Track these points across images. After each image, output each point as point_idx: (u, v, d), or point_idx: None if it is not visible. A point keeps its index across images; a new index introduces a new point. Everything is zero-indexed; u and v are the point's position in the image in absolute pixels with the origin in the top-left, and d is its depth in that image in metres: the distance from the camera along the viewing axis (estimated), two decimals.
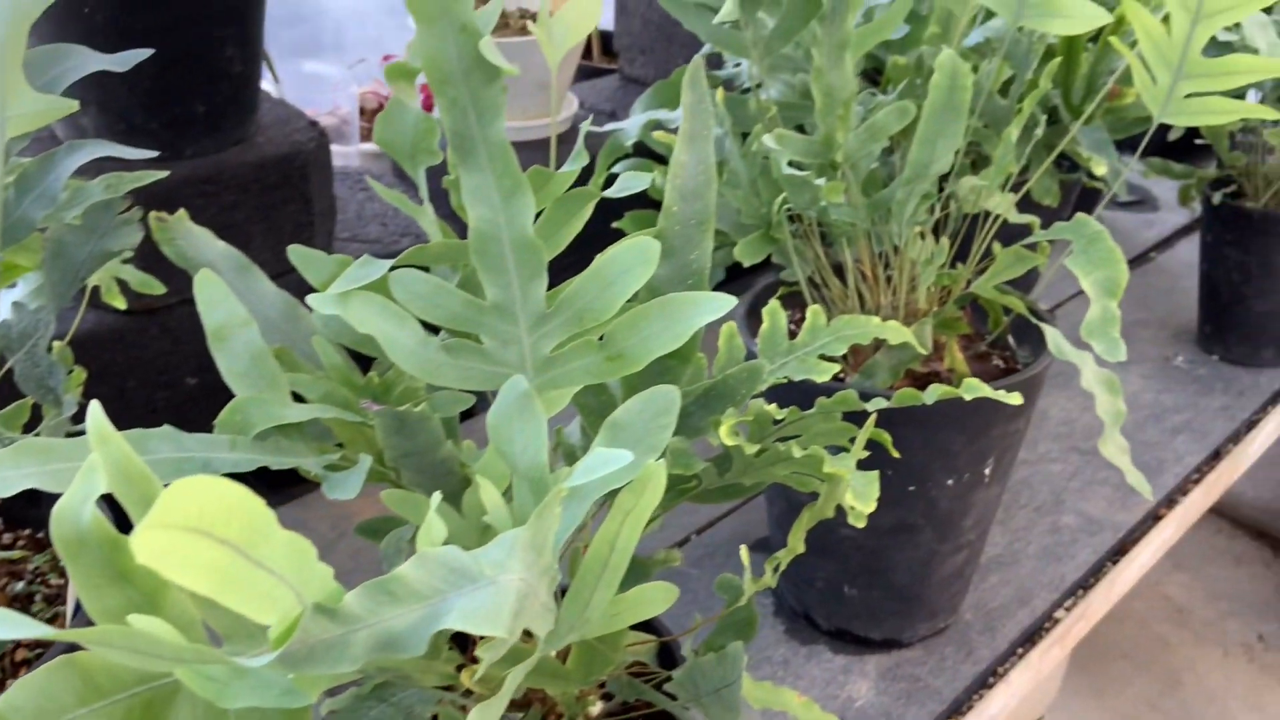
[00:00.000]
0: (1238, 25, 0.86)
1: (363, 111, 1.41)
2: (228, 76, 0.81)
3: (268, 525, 0.26)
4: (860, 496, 0.40)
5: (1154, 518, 0.96)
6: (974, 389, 0.47)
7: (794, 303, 0.83)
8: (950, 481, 0.73)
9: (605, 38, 1.63)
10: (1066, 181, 1.05)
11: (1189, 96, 0.63)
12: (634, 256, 0.42)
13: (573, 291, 0.44)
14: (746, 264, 0.73)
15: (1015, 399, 0.47)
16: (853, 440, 0.54)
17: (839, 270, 0.79)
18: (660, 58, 1.33)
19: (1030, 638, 0.83)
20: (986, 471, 0.74)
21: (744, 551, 0.44)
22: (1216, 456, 1.05)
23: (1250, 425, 1.09)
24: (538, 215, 0.50)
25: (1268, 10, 1.10)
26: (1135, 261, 1.47)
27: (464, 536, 0.45)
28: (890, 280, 0.77)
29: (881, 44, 0.83)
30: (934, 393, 0.47)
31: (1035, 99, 0.67)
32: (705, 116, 0.52)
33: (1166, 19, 0.62)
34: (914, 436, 0.71)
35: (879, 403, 0.47)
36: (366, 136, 1.38)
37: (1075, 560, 0.90)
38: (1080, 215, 0.64)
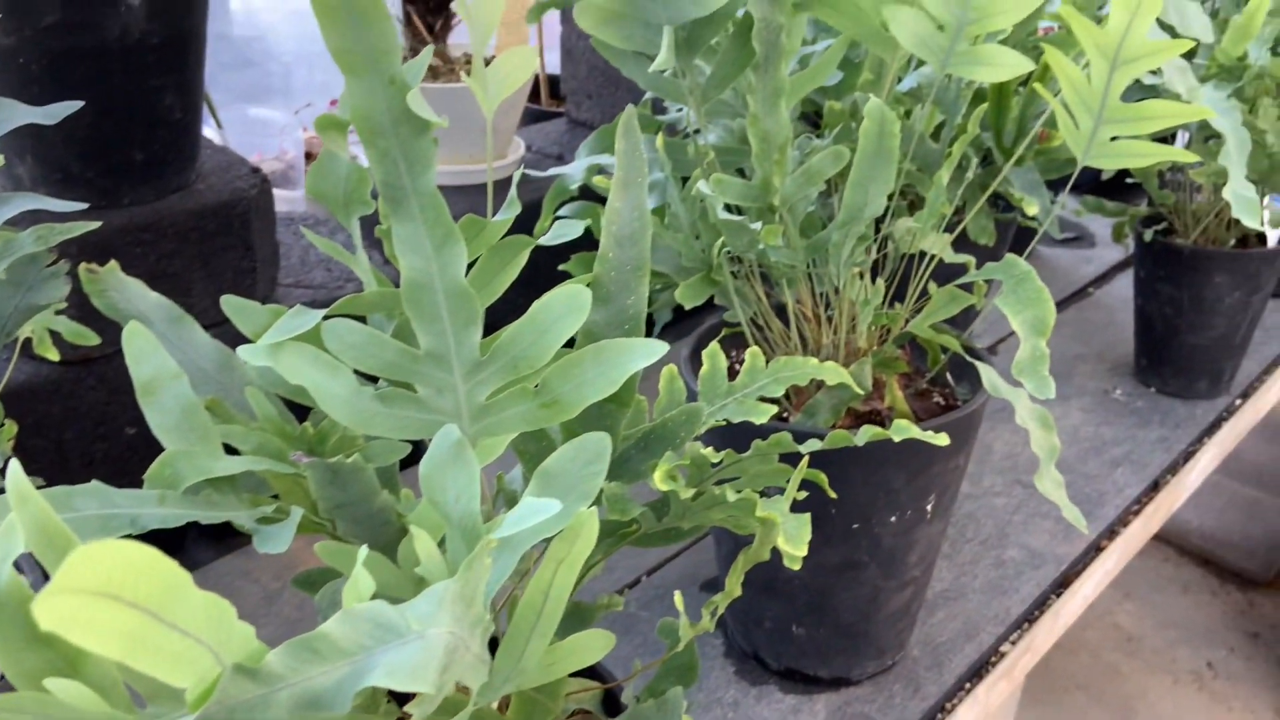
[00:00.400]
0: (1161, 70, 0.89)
1: (310, 156, 1.41)
2: (166, 124, 0.81)
3: (181, 586, 0.26)
4: (792, 540, 0.40)
5: (1096, 549, 0.98)
6: (903, 430, 0.48)
7: (739, 343, 0.84)
8: (893, 519, 0.74)
9: (553, 82, 1.65)
10: (1002, 221, 1.08)
11: (1111, 140, 0.65)
12: (567, 304, 0.43)
13: (507, 339, 0.44)
14: (688, 306, 0.73)
15: (941, 440, 0.48)
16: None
17: (781, 311, 0.80)
18: (606, 102, 1.35)
19: (977, 672, 0.84)
20: (928, 508, 0.75)
21: (678, 597, 0.44)
22: (1155, 488, 1.07)
23: (1187, 456, 1.12)
24: (472, 263, 0.50)
25: (1191, 55, 1.15)
26: (1073, 296, 1.50)
27: (400, 588, 0.45)
28: (831, 320, 0.78)
29: (819, 89, 0.85)
30: (865, 434, 0.48)
31: (964, 143, 0.69)
32: (638, 164, 0.53)
33: (1087, 66, 0.64)
34: (856, 474, 0.71)
35: (813, 444, 0.48)
36: None
37: (1020, 593, 0.91)
38: (1010, 255, 0.65)
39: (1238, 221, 1.15)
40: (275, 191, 1.30)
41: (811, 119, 1.02)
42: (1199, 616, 2.13)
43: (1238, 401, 1.22)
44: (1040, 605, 0.91)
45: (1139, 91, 1.03)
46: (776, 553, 0.46)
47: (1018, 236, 1.58)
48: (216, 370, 0.53)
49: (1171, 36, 0.80)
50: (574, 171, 0.88)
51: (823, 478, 0.52)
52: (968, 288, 0.74)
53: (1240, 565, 2.25)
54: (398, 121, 0.41)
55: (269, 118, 1.39)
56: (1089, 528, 1.01)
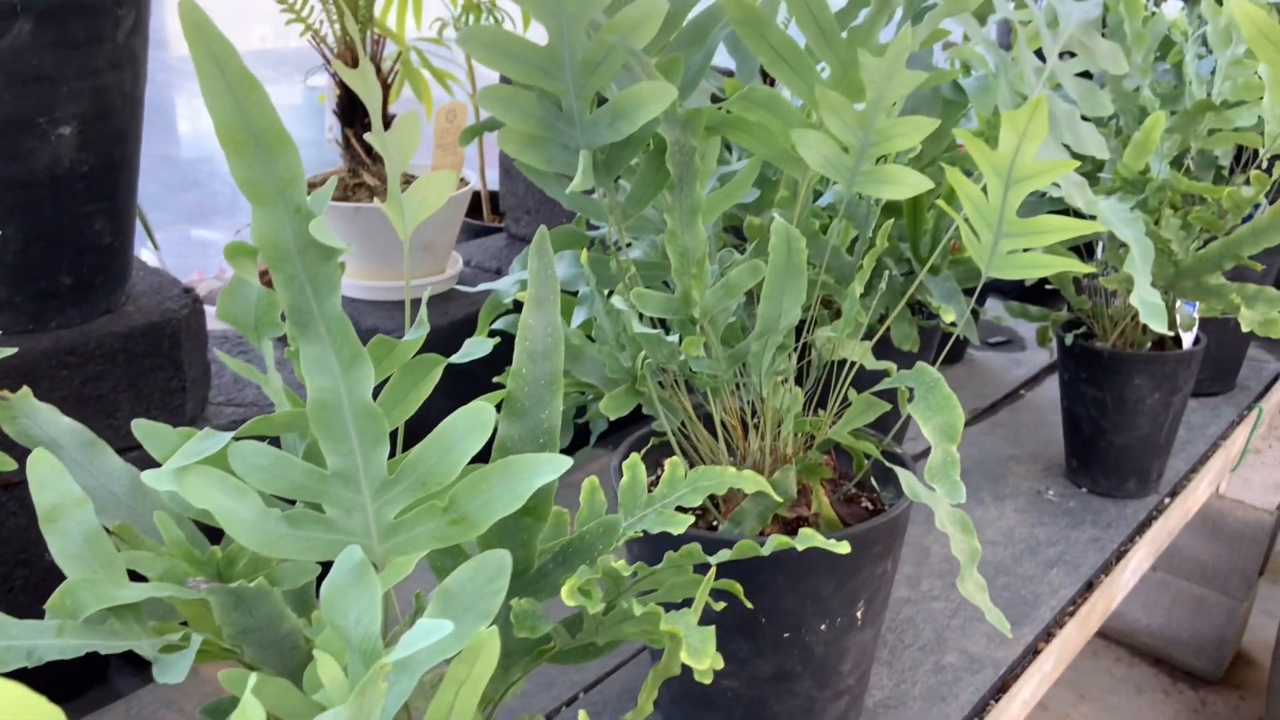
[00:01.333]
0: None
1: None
2: (95, 249, 0.82)
3: None
4: (695, 653, 0.41)
5: (1033, 652, 0.98)
6: (806, 539, 0.48)
7: (670, 452, 0.84)
8: (824, 626, 0.74)
9: (494, 198, 1.69)
10: (926, 327, 1.11)
11: (1010, 253, 0.69)
12: (472, 422, 0.43)
13: (415, 457, 0.45)
14: (612, 417, 0.74)
15: (842, 548, 0.49)
16: (710, 593, 0.55)
17: (709, 420, 0.81)
18: (544, 217, 1.38)
19: None
20: (859, 614, 0.75)
21: (583, 716, 0.43)
22: (1089, 588, 1.08)
23: (1120, 555, 1.13)
24: (385, 381, 0.51)
25: (1100, 168, 1.21)
26: (1006, 399, 1.54)
27: (305, 715, 0.44)
28: (758, 428, 0.79)
29: (740, 204, 0.89)
30: (771, 544, 0.48)
31: (874, 257, 0.72)
32: (551, 282, 0.54)
33: (985, 186, 0.67)
34: (784, 582, 0.72)
35: (722, 555, 0.48)
36: None
37: (959, 700, 0.91)
38: (920, 364, 0.67)
39: None
40: (213, 310, 1.30)
41: (738, 231, 1.05)
42: (1153, 717, 2.12)
43: (1167, 500, 1.24)
44: (980, 711, 0.90)
45: (1049, 204, 1.09)
46: (677, 669, 0.45)
47: (943, 341, 1.62)
48: (128, 495, 0.53)
49: (1071, 155, 0.85)
50: (506, 286, 0.90)
51: (737, 587, 0.52)
52: (890, 394, 0.76)
53: (1191, 664, 2.25)
54: (304, 248, 0.42)
55: (210, 238, 1.40)
56: (1026, 630, 1.01)
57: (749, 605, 0.52)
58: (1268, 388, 1.56)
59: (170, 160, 1.88)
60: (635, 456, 0.60)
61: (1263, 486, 2.12)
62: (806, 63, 0.69)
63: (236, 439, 0.45)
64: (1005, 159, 0.65)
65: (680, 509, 0.58)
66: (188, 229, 1.56)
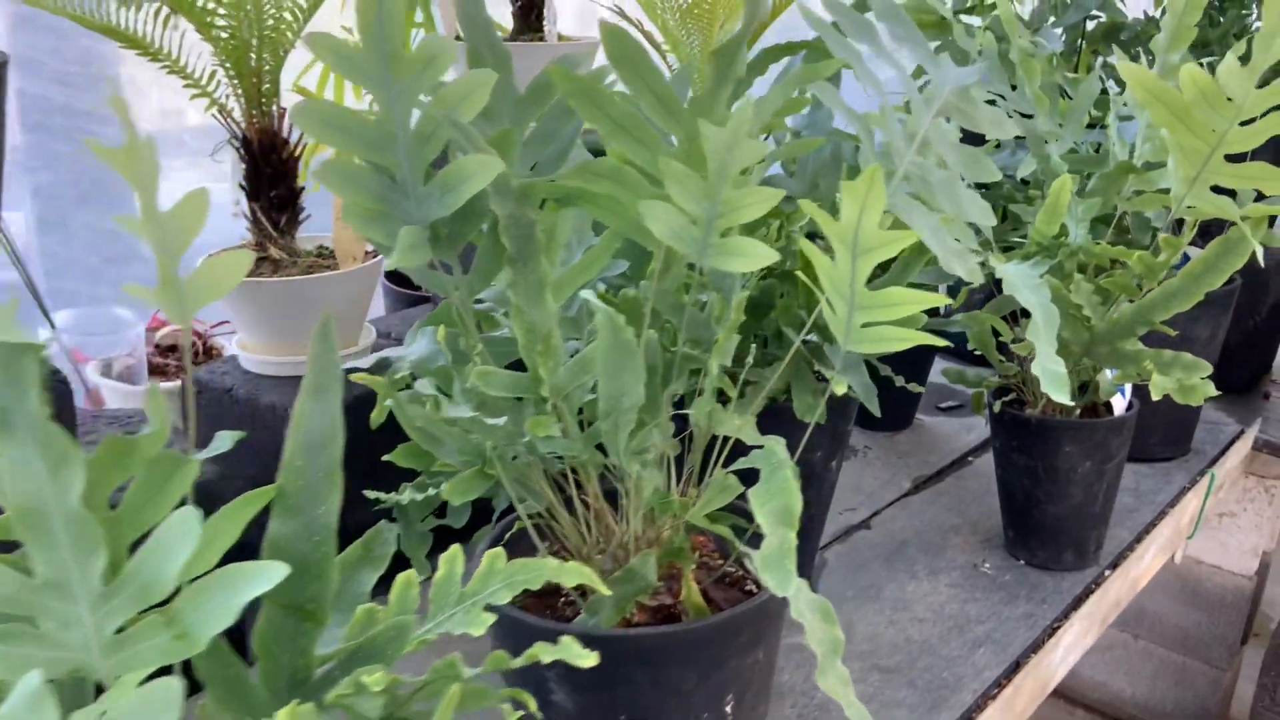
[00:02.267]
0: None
1: (172, 349, 1.40)
2: None
3: None
4: None
5: None
6: (546, 650, 0.44)
7: (542, 536, 0.80)
8: None
9: None
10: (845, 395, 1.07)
11: (865, 326, 0.65)
12: (180, 528, 0.40)
13: (133, 566, 0.41)
14: (455, 503, 0.71)
15: (588, 660, 0.45)
16: (511, 703, 0.51)
17: (581, 502, 0.77)
18: None
19: None
20: (728, 709, 0.71)
21: None
22: (1016, 668, 1.02)
23: (1051, 632, 1.08)
24: (129, 481, 0.47)
25: (1021, 234, 1.18)
26: (953, 466, 1.49)
27: None
28: (634, 507, 0.75)
29: (622, 275, 0.86)
30: (523, 658, 0.44)
31: (731, 330, 0.69)
32: (332, 368, 0.51)
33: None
34: (642, 676, 0.67)
35: (482, 668, 0.44)
36: (168, 374, 1.37)
37: None
38: (771, 444, 0.64)
39: (1083, 390, 1.15)
40: (123, 387, 1.28)
41: None
42: None
43: (1107, 572, 1.19)
44: None
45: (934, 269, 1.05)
46: None
47: (901, 405, 1.58)
48: None
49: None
50: (397, 362, 0.87)
51: (526, 696, 0.48)
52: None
53: None
54: None
55: (123, 316, 1.39)
56: (944, 716, 0.96)
57: (539, 716, 0.48)
58: (1223, 451, 1.52)
59: (117, 234, 1.88)
60: (456, 548, 0.57)
61: (1239, 551, 2.05)
62: (649, 133, 0.67)
63: None
64: (849, 229, 0.62)
65: (539, 593, 0.54)
66: (112, 308, 1.54)
